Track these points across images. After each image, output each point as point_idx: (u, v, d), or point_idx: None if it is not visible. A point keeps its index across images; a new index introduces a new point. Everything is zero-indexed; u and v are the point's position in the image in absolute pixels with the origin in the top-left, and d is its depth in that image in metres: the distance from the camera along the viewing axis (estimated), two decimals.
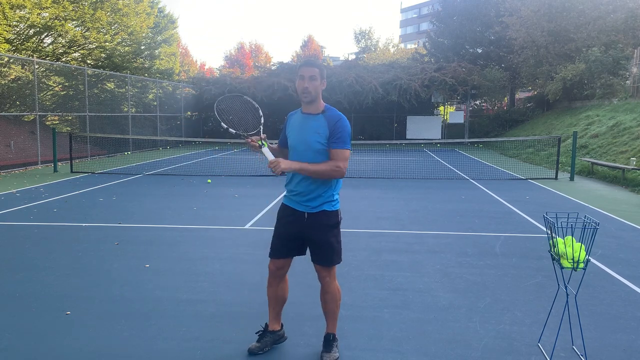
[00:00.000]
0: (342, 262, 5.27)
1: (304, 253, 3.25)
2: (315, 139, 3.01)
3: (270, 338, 3.34)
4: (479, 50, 32.31)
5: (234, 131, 3.30)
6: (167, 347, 3.39)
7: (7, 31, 17.92)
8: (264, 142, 3.10)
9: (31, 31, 19.62)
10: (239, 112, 3.40)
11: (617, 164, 12.36)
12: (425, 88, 25.65)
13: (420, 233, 6.75)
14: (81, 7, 20.44)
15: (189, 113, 28.60)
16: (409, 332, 3.64)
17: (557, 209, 8.43)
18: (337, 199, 3.16)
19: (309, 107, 3.08)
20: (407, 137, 26.87)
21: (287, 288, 3.37)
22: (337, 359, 3.19)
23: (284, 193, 3.25)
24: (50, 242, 6.15)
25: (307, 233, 3.11)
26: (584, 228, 2.99)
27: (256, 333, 3.40)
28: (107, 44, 22.54)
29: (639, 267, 5.28)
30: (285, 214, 3.20)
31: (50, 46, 21.28)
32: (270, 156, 3.01)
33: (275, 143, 3.35)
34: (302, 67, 3.04)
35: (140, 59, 25.50)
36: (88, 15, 20.53)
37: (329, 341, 3.25)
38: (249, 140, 3.11)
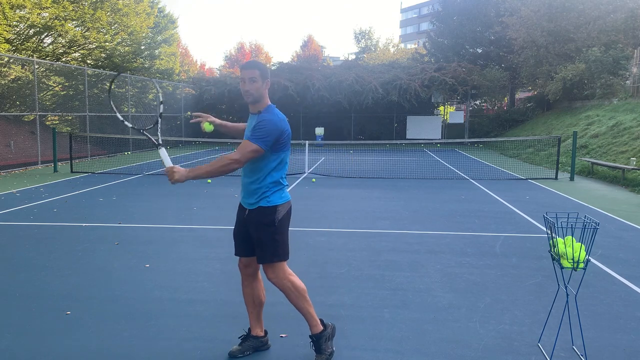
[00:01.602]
0: (342, 261, 5.32)
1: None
2: (248, 136, 3.06)
3: (253, 342, 3.29)
4: (479, 50, 32.31)
5: (130, 125, 3.42)
6: (167, 347, 3.39)
7: (7, 31, 17.92)
8: (207, 125, 3.19)
9: (31, 31, 19.62)
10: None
11: (617, 164, 12.35)
12: (425, 88, 25.64)
13: (420, 233, 6.75)
14: (81, 7, 20.44)
15: (189, 113, 28.61)
16: (409, 332, 3.64)
17: (557, 209, 8.43)
18: (274, 194, 3.06)
19: (253, 108, 3.11)
20: (407, 137, 26.87)
21: (262, 290, 3.32)
22: (330, 353, 3.16)
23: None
24: (50, 242, 6.15)
25: (249, 231, 3.12)
26: (584, 228, 2.99)
27: (239, 337, 3.35)
28: (107, 44, 22.54)
29: (639, 267, 5.27)
30: (237, 212, 3.25)
31: (50, 46, 21.28)
32: (167, 162, 3.02)
33: None
34: (242, 70, 3.05)
35: (140, 59, 25.50)
36: (88, 15, 20.53)
37: (315, 342, 3.16)
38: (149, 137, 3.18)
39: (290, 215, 3.18)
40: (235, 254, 3.26)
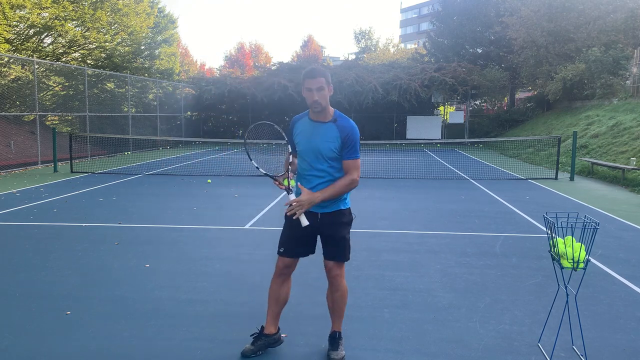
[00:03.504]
0: None
1: (314, 252, 3.27)
2: (328, 146, 3.01)
3: (265, 341, 3.29)
4: (479, 50, 32.31)
5: (264, 172, 3.32)
6: (167, 347, 3.39)
7: (7, 31, 17.92)
8: (291, 182, 3.16)
9: (31, 31, 19.62)
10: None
11: (617, 164, 12.35)
12: (425, 88, 25.64)
13: (420, 233, 6.75)
14: (81, 7, 20.44)
15: (189, 113, 28.61)
16: (409, 332, 3.64)
17: (557, 209, 8.43)
18: (348, 198, 3.23)
19: (318, 115, 3.06)
20: (407, 137, 26.86)
21: (290, 289, 3.35)
22: (344, 356, 3.20)
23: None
24: (50, 242, 6.15)
25: (321, 231, 3.15)
26: (584, 228, 2.99)
27: (251, 335, 3.36)
28: (107, 44, 22.54)
29: (639, 267, 5.28)
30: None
31: (50, 46, 21.28)
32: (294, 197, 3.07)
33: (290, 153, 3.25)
34: (307, 80, 2.97)
35: (140, 59, 25.49)
36: (88, 15, 20.53)
37: (335, 339, 3.25)
38: (277, 184, 3.14)
39: None
40: (285, 255, 3.20)
